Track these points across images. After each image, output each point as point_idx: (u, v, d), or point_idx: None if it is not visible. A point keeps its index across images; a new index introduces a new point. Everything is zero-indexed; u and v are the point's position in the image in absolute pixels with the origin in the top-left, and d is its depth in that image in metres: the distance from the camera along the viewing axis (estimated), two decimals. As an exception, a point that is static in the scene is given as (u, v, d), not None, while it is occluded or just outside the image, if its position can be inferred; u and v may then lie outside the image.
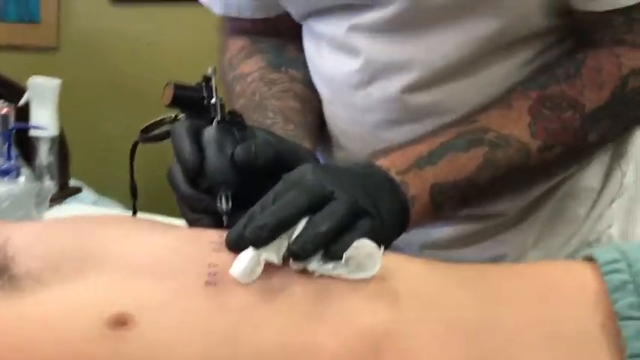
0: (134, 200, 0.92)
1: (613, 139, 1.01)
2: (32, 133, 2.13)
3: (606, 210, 1.12)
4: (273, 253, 0.68)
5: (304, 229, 0.69)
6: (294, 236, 0.68)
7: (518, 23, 0.95)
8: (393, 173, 0.83)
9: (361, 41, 1.01)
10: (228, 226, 0.74)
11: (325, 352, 0.62)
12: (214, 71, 0.83)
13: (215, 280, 0.67)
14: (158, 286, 0.66)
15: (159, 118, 0.86)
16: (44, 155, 2.13)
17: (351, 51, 1.02)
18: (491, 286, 0.70)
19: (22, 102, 2.28)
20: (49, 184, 1.89)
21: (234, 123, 0.81)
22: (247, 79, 1.11)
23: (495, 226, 1.10)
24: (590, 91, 0.92)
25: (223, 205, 0.76)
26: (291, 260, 0.68)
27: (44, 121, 2.13)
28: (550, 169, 0.96)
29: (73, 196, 2.31)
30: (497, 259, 1.10)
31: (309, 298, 0.66)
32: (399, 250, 0.81)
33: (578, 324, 0.65)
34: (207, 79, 0.83)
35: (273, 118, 1.00)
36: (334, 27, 1.03)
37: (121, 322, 0.63)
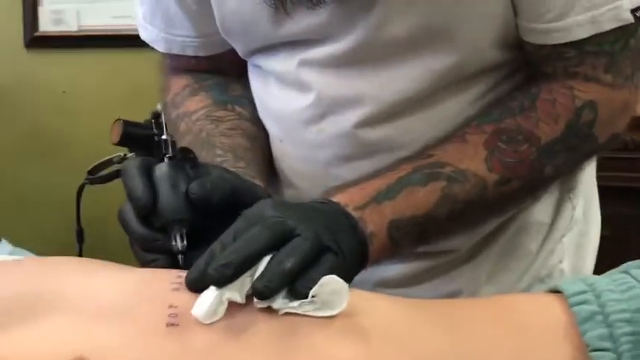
0: (80, 245, 0.89)
1: (568, 172, 1.02)
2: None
3: (557, 244, 1.12)
4: (236, 292, 0.66)
5: (268, 266, 0.67)
6: (257, 274, 0.67)
7: (473, 58, 0.95)
8: (350, 209, 0.82)
9: (312, 76, 1.00)
10: (185, 266, 0.72)
11: None
12: (164, 107, 0.82)
13: (177, 321, 0.64)
14: (118, 328, 0.64)
15: (106, 158, 0.84)
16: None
17: (301, 87, 1.01)
18: (458, 320, 0.69)
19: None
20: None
21: (186, 159, 0.79)
22: (192, 117, 1.09)
23: (448, 263, 1.10)
24: (545, 124, 0.92)
25: (178, 243, 0.74)
26: (255, 299, 0.66)
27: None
28: (506, 204, 0.96)
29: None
30: (451, 296, 1.10)
31: (275, 335, 0.64)
32: (354, 287, 0.80)
33: (548, 356, 0.65)
34: (156, 116, 0.81)
35: (223, 155, 0.99)
36: (283, 63, 1.02)
37: (80, 366, 0.60)
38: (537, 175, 0.93)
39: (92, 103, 3.15)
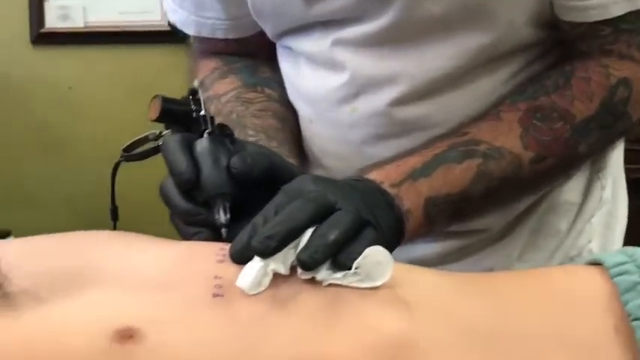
0: (114, 223, 0.89)
1: (601, 150, 1.02)
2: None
3: (586, 225, 1.13)
4: (280, 263, 0.66)
5: (312, 238, 0.68)
6: (300, 246, 0.67)
7: (508, 36, 0.96)
8: (386, 186, 0.83)
9: (346, 55, 1.00)
10: (228, 239, 0.72)
11: None
12: (201, 84, 0.82)
13: (222, 292, 0.65)
14: (164, 300, 0.64)
15: (142, 135, 0.84)
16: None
17: (335, 66, 1.01)
18: (501, 293, 0.69)
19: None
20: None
21: (225, 135, 0.79)
22: (222, 99, 1.10)
23: (479, 242, 1.10)
24: (580, 102, 0.92)
25: (222, 217, 0.75)
26: (299, 270, 0.66)
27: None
28: (540, 182, 0.97)
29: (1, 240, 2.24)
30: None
31: (320, 307, 0.65)
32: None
33: (591, 327, 0.65)
34: (193, 93, 0.82)
35: (255, 135, 0.99)
36: (315, 43, 1.02)
37: (127, 336, 0.61)
38: (571, 153, 0.93)
39: (98, 99, 3.16)
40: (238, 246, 0.68)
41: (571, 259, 1.11)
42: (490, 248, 1.11)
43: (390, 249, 0.76)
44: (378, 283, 0.66)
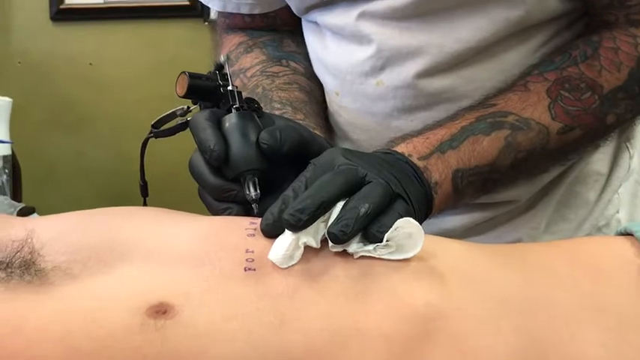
0: (144, 198, 0.89)
1: (629, 121, 1.01)
2: (-17, 152, 2.08)
3: (614, 194, 1.12)
4: (311, 236, 0.66)
5: (343, 211, 0.68)
6: (331, 219, 0.67)
7: (536, 8, 0.95)
8: (414, 159, 0.82)
9: (372, 28, 1.00)
10: (259, 214, 0.72)
11: (376, 336, 0.61)
12: (227, 59, 0.82)
13: (254, 265, 0.65)
14: (196, 273, 0.64)
15: (170, 111, 0.84)
16: (-4, 174, 2.09)
17: (361, 39, 1.01)
18: (532, 264, 0.69)
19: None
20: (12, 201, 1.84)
21: (253, 109, 0.79)
22: (247, 74, 1.10)
23: (507, 213, 1.10)
24: (608, 72, 0.92)
25: (252, 192, 0.75)
26: (330, 243, 0.66)
27: (-5, 139, 2.09)
28: (568, 152, 0.96)
29: (27, 217, 2.25)
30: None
31: (353, 279, 0.65)
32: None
33: (624, 297, 0.65)
34: (219, 67, 0.81)
35: (282, 108, 0.99)
36: (341, 17, 1.02)
37: (162, 310, 0.61)
38: (599, 124, 0.93)
39: (119, 74, 3.16)
40: (269, 219, 0.68)
41: (599, 230, 1.11)
42: (517, 220, 1.11)
43: (419, 221, 0.76)
44: (409, 255, 0.66)
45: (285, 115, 0.96)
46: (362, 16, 1.00)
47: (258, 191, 0.75)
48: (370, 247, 0.66)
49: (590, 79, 0.92)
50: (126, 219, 0.73)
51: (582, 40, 0.96)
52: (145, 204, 0.90)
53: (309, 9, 1.07)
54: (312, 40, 1.12)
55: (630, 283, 0.66)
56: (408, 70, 0.99)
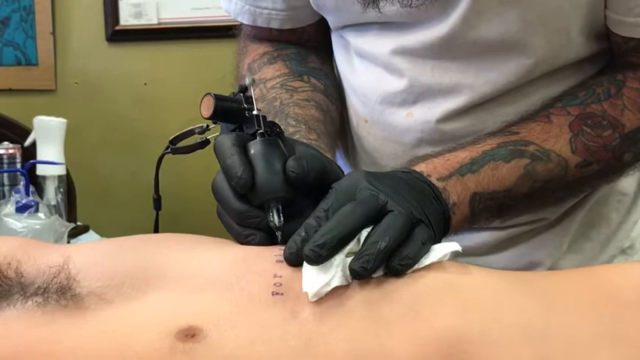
0: (157, 213, 0.91)
1: None
2: (40, 172, 2.12)
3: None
4: (342, 278, 0.68)
5: (364, 246, 0.69)
6: (349, 247, 0.70)
7: (563, 47, 0.97)
8: (433, 179, 0.84)
9: (405, 64, 1.01)
10: (283, 241, 0.74)
11: (401, 359, 0.62)
12: (252, 82, 0.83)
13: (281, 290, 0.67)
14: (225, 298, 0.66)
15: (188, 129, 0.85)
16: (52, 194, 2.13)
17: (393, 71, 1.03)
18: (553, 291, 0.70)
19: (28, 141, 2.28)
20: (63, 221, 1.88)
21: (277, 135, 0.80)
22: (267, 85, 1.10)
23: (530, 231, 1.10)
24: (630, 112, 0.94)
25: (276, 220, 0.76)
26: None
27: (51, 159, 2.13)
28: (584, 186, 0.98)
29: (81, 236, 2.30)
30: (533, 264, 1.11)
31: (377, 303, 0.66)
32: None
33: None
34: (243, 89, 0.82)
35: (296, 126, 1.00)
36: (374, 44, 1.04)
37: (190, 334, 0.63)
38: (617, 161, 0.95)
39: (173, 94, 3.19)
40: (292, 249, 0.70)
41: (623, 252, 1.11)
42: (539, 237, 1.11)
43: (437, 241, 0.77)
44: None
45: (299, 134, 0.98)
46: (396, 52, 1.02)
47: (282, 219, 0.76)
48: None
49: (613, 117, 0.94)
50: (158, 246, 0.76)
51: (607, 78, 0.97)
52: (157, 217, 0.91)
53: (344, 27, 1.09)
54: (340, 57, 1.14)
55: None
56: (439, 107, 1.01)
